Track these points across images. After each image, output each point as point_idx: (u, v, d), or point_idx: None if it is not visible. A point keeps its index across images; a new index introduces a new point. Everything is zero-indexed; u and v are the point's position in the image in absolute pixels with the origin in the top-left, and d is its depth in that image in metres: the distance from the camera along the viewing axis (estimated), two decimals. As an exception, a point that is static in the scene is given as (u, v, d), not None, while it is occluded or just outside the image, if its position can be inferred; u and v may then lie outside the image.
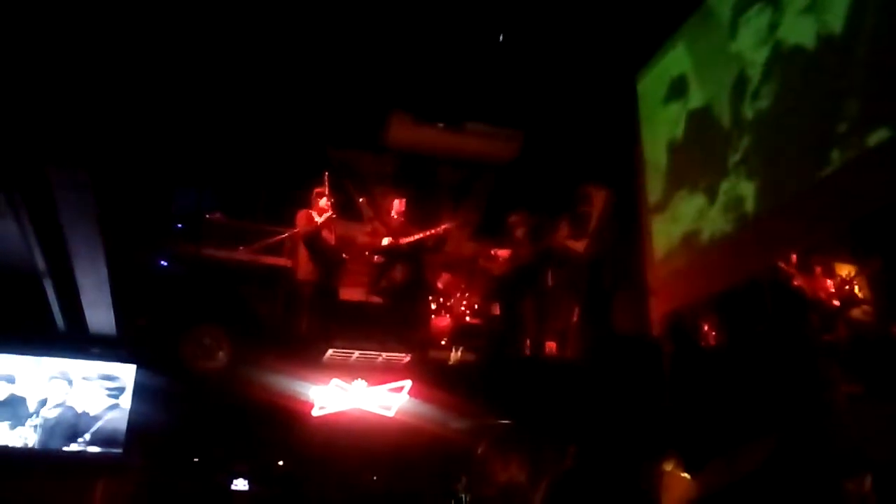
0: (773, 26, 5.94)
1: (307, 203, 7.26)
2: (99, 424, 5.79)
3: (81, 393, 5.84)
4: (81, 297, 5.43)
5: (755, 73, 6.12)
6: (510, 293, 7.55)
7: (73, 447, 5.74)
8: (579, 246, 8.32)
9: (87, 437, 5.76)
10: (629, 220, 7.96)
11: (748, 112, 6.20)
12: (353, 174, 9.37)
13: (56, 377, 5.83)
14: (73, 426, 5.76)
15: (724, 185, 6.45)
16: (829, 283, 5.94)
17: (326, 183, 7.16)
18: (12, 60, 3.54)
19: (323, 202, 7.11)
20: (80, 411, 5.81)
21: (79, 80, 3.82)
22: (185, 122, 7.23)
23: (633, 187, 7.93)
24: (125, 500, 5.72)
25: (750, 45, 6.20)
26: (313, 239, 6.98)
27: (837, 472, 1.48)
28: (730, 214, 6.36)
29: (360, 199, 8.41)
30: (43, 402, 5.77)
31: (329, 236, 7.06)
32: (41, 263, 5.18)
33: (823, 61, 5.39)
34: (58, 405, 5.79)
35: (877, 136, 4.84)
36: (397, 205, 7.56)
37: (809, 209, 5.36)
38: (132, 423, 5.80)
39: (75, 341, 5.96)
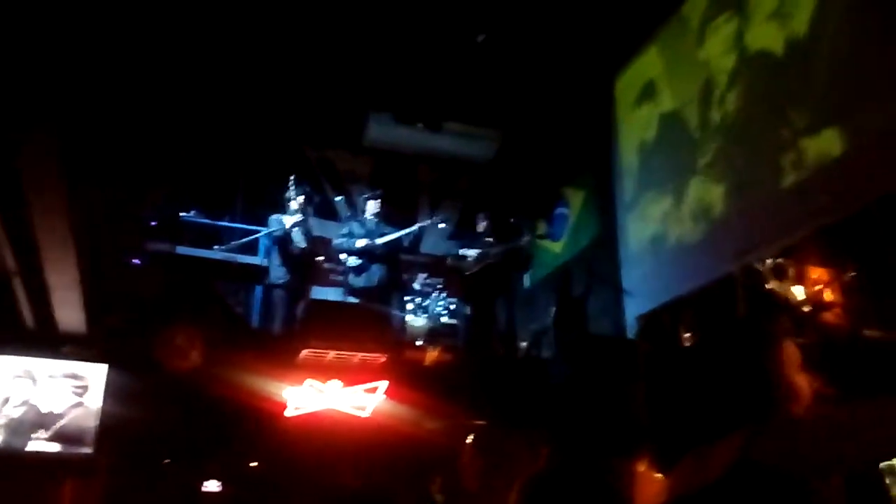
0: (740, 33, 6.03)
1: (281, 205, 7.25)
2: (63, 422, 5.68)
3: (46, 391, 5.73)
4: (51, 295, 5.33)
5: (722, 79, 6.22)
6: (480, 293, 7.58)
7: (39, 446, 5.63)
8: (555, 247, 8.35)
9: (52, 435, 5.65)
10: (605, 220, 8.01)
11: (716, 117, 6.29)
12: (331, 173, 9.35)
13: (20, 375, 5.72)
14: (37, 424, 5.65)
15: (692, 188, 6.54)
16: (801, 286, 6.01)
17: (299, 186, 7.15)
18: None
19: (295, 206, 7.11)
20: (44, 409, 5.69)
21: (52, 73, 3.75)
22: (161, 119, 7.16)
23: (610, 188, 7.99)
24: (95, 500, 5.63)
25: (718, 51, 6.31)
26: (285, 242, 6.99)
27: (805, 471, 1.49)
28: (697, 217, 6.45)
29: (337, 199, 8.38)
30: (6, 401, 5.66)
31: (301, 239, 7.06)
32: (10, 261, 5.08)
33: (787, 69, 5.48)
34: (21, 403, 5.68)
35: (840, 144, 4.92)
36: (372, 205, 7.54)
37: (777, 214, 5.43)
38: (103, 423, 5.70)
39: (45, 340, 5.86)
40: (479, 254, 7.46)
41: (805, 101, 5.27)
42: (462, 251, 7.61)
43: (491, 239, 7.55)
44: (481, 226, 7.71)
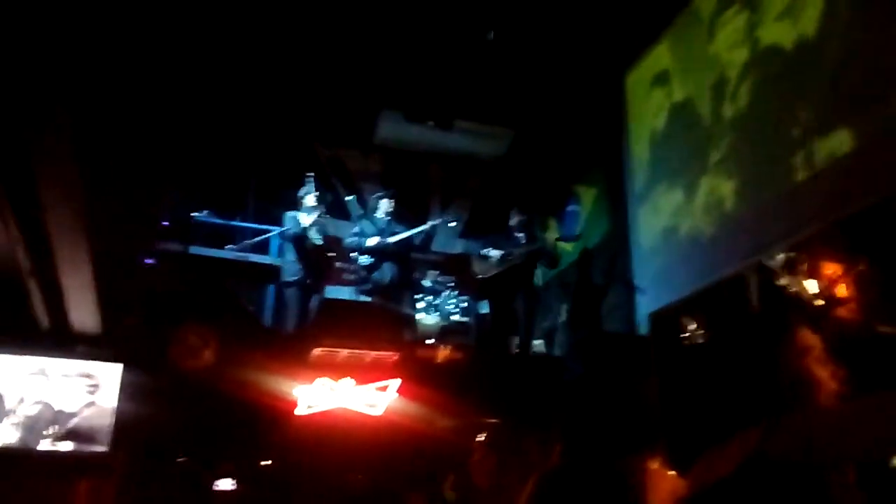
0: (751, 27, 6.00)
1: (295, 203, 7.27)
2: (78, 421, 5.72)
3: (60, 390, 5.77)
4: (66, 295, 5.37)
5: (733, 74, 6.19)
6: (501, 292, 7.54)
7: (53, 445, 5.68)
8: (568, 245, 8.32)
9: (67, 434, 5.70)
10: (617, 217, 7.98)
11: (727, 112, 6.26)
12: (342, 172, 9.36)
13: (35, 374, 5.77)
14: (52, 423, 5.70)
15: (704, 183, 6.51)
16: (814, 281, 5.97)
17: (315, 184, 7.18)
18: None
19: (311, 203, 7.14)
20: (58, 408, 5.74)
21: (67, 74, 3.78)
22: (174, 119, 7.19)
23: (621, 185, 7.96)
24: (109, 498, 5.67)
25: (728, 45, 6.28)
26: (301, 240, 7.01)
27: (821, 464, 1.49)
28: (709, 211, 6.42)
29: (349, 198, 8.41)
30: (21, 400, 5.71)
31: (317, 237, 7.09)
32: (25, 261, 5.12)
33: (798, 64, 5.45)
34: (36, 402, 5.72)
35: (850, 140, 4.89)
36: (385, 204, 7.55)
37: (789, 209, 5.40)
38: (117, 422, 5.74)
39: (59, 340, 5.90)
40: (503, 255, 7.39)
41: (815, 97, 5.23)
42: (485, 251, 7.52)
43: (521, 234, 7.47)
44: (514, 220, 7.57)
